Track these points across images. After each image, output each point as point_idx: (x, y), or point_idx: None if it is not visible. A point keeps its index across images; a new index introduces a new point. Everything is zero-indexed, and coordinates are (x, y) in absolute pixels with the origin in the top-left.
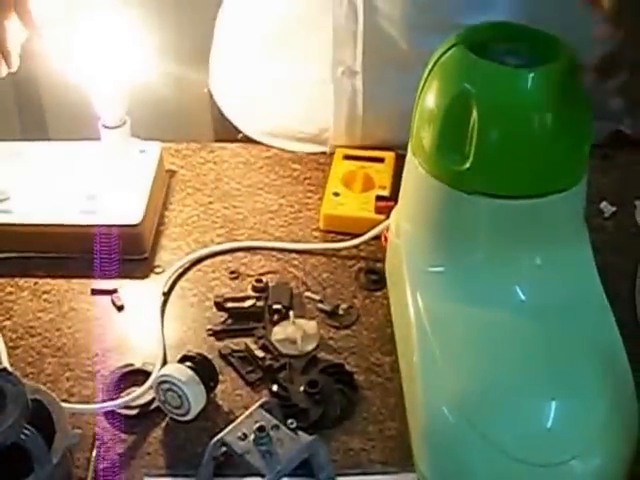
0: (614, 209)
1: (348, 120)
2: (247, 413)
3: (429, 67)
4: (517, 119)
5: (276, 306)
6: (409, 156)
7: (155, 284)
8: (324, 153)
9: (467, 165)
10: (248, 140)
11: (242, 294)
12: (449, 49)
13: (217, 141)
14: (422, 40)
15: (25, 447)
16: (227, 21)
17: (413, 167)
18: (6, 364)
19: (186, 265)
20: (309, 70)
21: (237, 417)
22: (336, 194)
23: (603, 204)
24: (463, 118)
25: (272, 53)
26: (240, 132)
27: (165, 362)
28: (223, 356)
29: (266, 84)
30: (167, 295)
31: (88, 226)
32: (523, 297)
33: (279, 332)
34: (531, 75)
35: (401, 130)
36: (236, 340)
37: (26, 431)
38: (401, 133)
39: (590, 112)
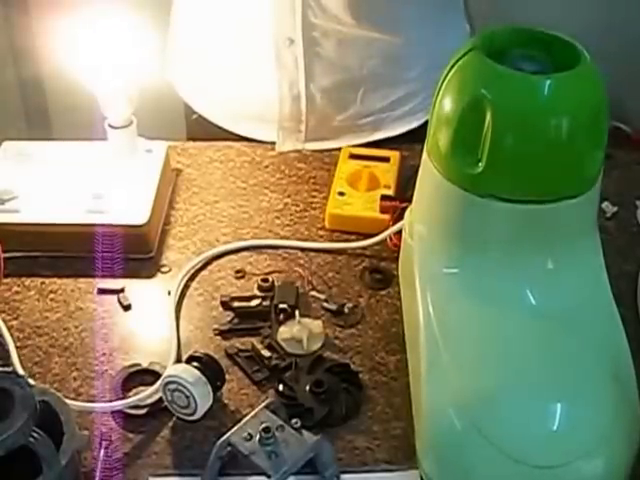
0: (615, 209)
1: (291, 90)
2: (252, 414)
3: (446, 70)
4: (531, 125)
5: (282, 305)
6: (424, 158)
7: (162, 283)
8: (273, 143)
9: (480, 169)
10: (202, 120)
11: (248, 293)
12: (466, 53)
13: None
14: (362, 11)
15: (34, 450)
16: (181, 11)
17: (428, 169)
18: (16, 364)
19: (193, 265)
20: (257, 49)
21: (243, 416)
22: (341, 193)
23: (605, 204)
24: (478, 123)
25: (222, 34)
26: (195, 113)
27: (179, 361)
28: (229, 355)
29: (215, 63)
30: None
31: (94, 225)
32: (533, 300)
33: (285, 331)
34: (547, 82)
35: (344, 102)
36: (242, 339)
37: (34, 434)
38: (345, 103)
39: (606, 119)
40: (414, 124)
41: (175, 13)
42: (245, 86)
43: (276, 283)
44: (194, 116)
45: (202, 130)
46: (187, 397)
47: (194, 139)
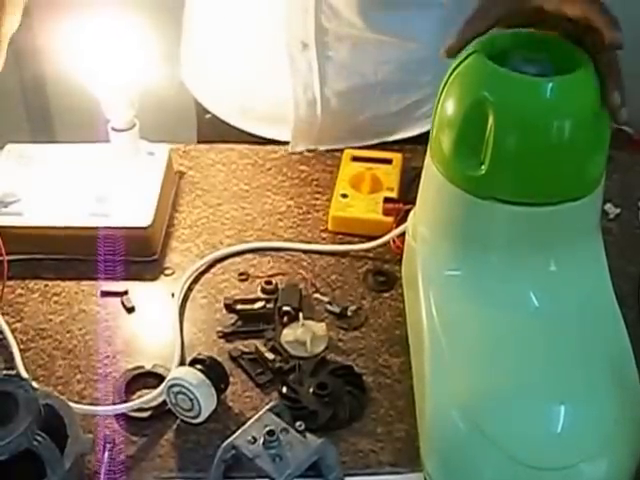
0: (618, 211)
1: (305, 94)
2: (256, 417)
3: (448, 73)
4: (534, 128)
5: (285, 308)
6: (427, 161)
7: (165, 286)
8: (287, 143)
9: (482, 171)
10: (216, 120)
11: (252, 296)
12: (468, 56)
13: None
14: (375, 16)
15: (37, 453)
16: (194, 14)
17: (431, 171)
18: (20, 367)
19: (196, 267)
20: (270, 51)
21: (247, 419)
22: (344, 196)
23: (607, 206)
24: (480, 125)
25: (236, 37)
26: (208, 113)
27: (182, 364)
28: (233, 358)
29: (229, 64)
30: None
31: (98, 228)
32: (536, 303)
33: (288, 334)
34: (549, 85)
35: (359, 106)
36: (246, 342)
37: (38, 437)
38: (360, 107)
39: (608, 122)
40: (426, 127)
41: (187, 17)
42: (259, 87)
43: (279, 285)
44: (207, 116)
45: (214, 131)
46: (191, 400)
47: (205, 140)
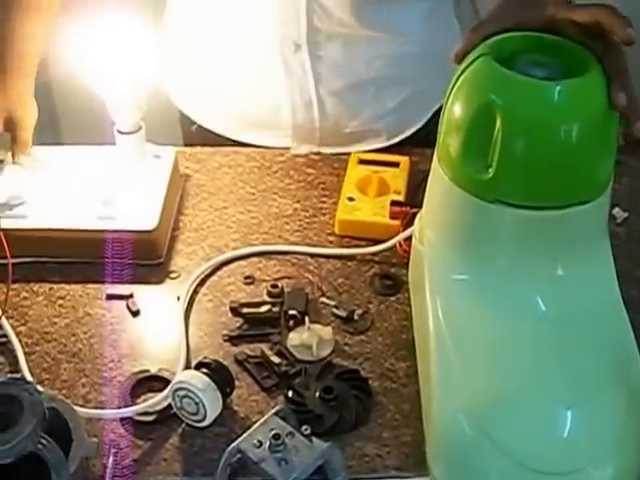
0: (626, 215)
1: (302, 97)
2: (262, 420)
3: (456, 76)
4: (542, 131)
5: (291, 312)
6: (434, 164)
7: (171, 289)
8: (288, 148)
9: (490, 175)
10: (203, 131)
11: (257, 299)
12: (476, 59)
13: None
14: (366, 11)
15: (42, 456)
16: (175, 16)
17: (438, 175)
18: (25, 370)
19: (202, 271)
20: (260, 53)
21: (253, 423)
22: (351, 199)
23: (615, 210)
24: (488, 128)
25: (221, 40)
26: (194, 123)
27: (188, 367)
28: (239, 362)
29: (217, 73)
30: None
31: (103, 231)
32: (543, 307)
33: (294, 338)
34: (557, 88)
35: (355, 105)
36: (252, 346)
37: (43, 441)
38: (356, 106)
39: (616, 125)
40: (423, 121)
41: (170, 28)
42: (249, 95)
43: (285, 289)
44: (194, 127)
45: (201, 142)
46: (196, 403)
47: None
